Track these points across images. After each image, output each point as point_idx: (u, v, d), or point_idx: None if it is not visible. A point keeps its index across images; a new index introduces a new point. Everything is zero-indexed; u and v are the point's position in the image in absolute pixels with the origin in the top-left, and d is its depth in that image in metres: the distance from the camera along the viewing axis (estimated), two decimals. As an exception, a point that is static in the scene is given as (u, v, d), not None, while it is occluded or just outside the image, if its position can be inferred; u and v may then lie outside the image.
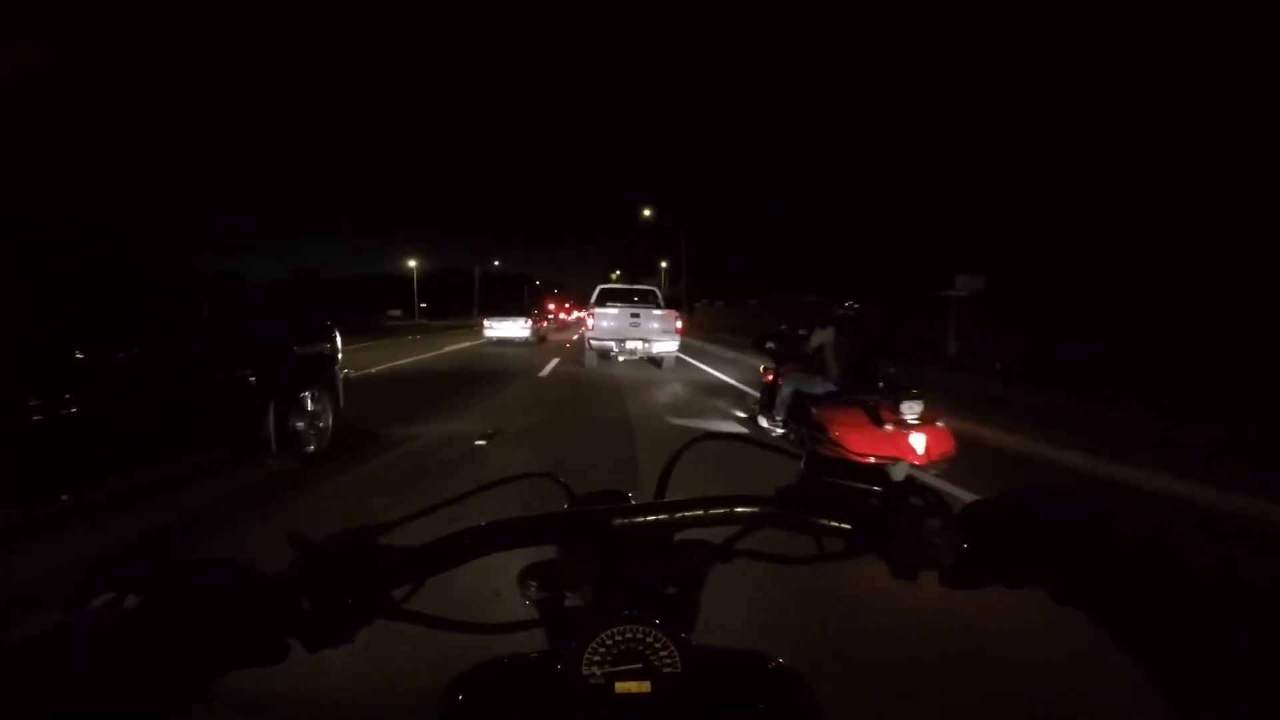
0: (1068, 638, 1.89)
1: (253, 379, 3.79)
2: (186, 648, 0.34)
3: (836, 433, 3.86)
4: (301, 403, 4.33)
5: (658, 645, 0.44)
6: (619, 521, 0.49)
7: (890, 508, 0.45)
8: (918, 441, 3.65)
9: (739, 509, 0.50)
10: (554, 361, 12.53)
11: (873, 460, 3.63)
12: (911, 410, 3.69)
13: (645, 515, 0.50)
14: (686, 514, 0.50)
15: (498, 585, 2.17)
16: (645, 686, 0.43)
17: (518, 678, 0.53)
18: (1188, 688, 0.32)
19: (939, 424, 3.78)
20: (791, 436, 4.67)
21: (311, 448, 4.36)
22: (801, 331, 5.07)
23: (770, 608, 2.25)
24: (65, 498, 2.98)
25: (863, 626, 2.24)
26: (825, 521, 0.48)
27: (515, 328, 18.59)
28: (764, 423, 5.25)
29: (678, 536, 0.52)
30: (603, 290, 12.64)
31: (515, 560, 0.52)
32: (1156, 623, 0.33)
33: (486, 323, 19.28)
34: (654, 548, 0.51)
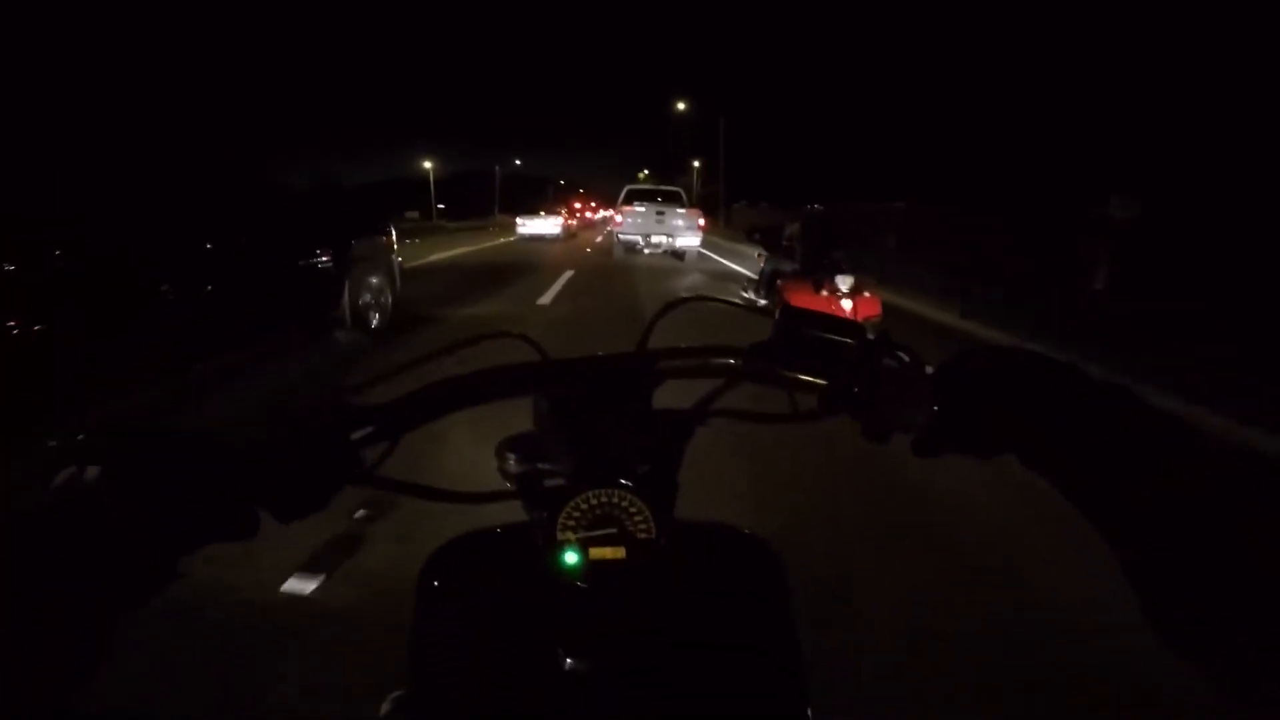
0: (1034, 504, 2.37)
1: (330, 263, 5.09)
2: (154, 520, 0.34)
3: (789, 295, 5.21)
4: (367, 284, 5.63)
5: (633, 510, 0.45)
6: (594, 370, 0.52)
7: (863, 363, 0.45)
8: (848, 305, 4.93)
9: (714, 360, 0.52)
10: (586, 252, 14.47)
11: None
12: (844, 283, 4.98)
13: (620, 364, 0.53)
14: (662, 364, 0.52)
15: (475, 460, 2.59)
16: (620, 552, 0.44)
17: (494, 548, 0.57)
18: (1147, 556, 0.31)
19: (867, 294, 5.08)
20: (763, 302, 6.07)
21: (375, 323, 5.76)
22: (789, 229, 6.33)
23: (746, 481, 2.53)
24: (199, 366, 3.82)
25: (835, 499, 2.52)
26: (800, 376, 0.48)
27: (546, 225, 20.80)
28: (750, 295, 6.71)
29: (655, 406, 0.54)
30: (630, 190, 14.16)
31: (492, 440, 0.54)
32: (1118, 486, 0.33)
33: (519, 220, 21.53)
34: (631, 415, 0.52)
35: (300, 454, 0.40)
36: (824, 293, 5.03)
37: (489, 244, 18.93)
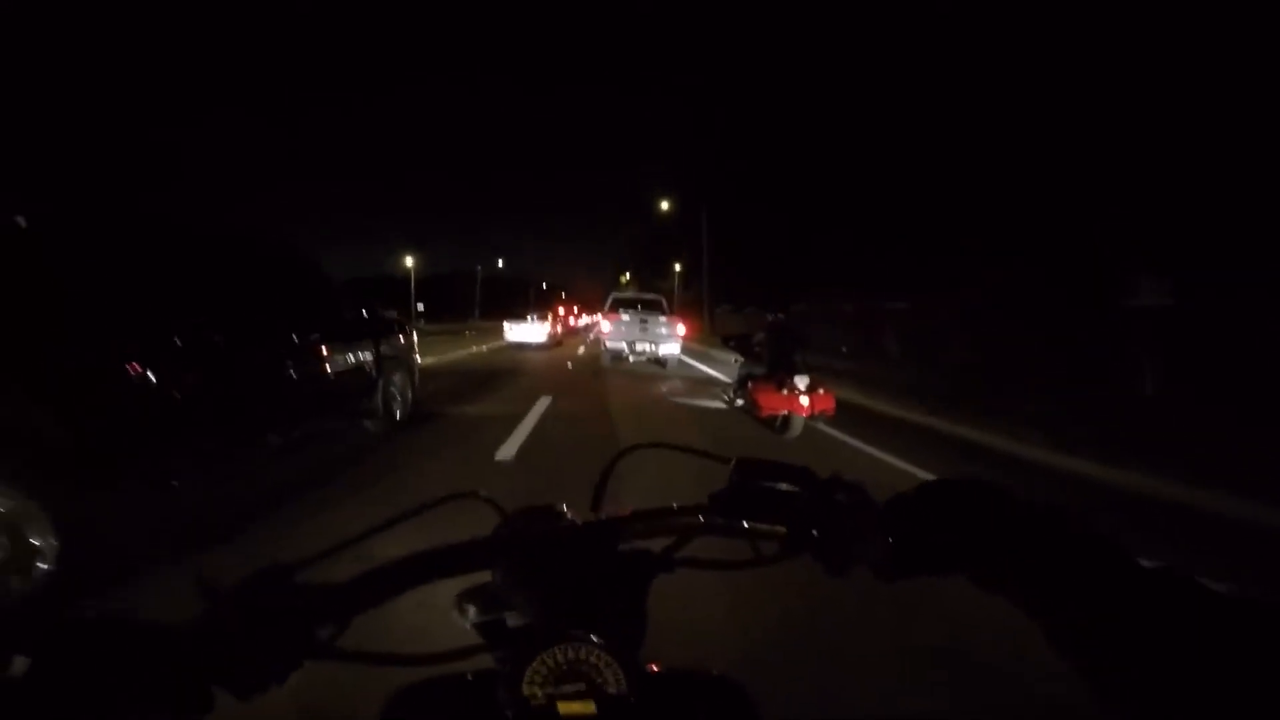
0: (1002, 622, 2.53)
1: (371, 362, 6.13)
2: (86, 709, 0.35)
3: (757, 396, 6.38)
4: (394, 381, 6.66)
5: (601, 665, 0.46)
6: (553, 548, 0.54)
7: (817, 506, 0.51)
8: (805, 401, 6.05)
9: (674, 519, 0.55)
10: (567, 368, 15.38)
11: (783, 414, 6.14)
12: (802, 382, 6.09)
13: (579, 535, 0.56)
14: (620, 532, 0.55)
15: (433, 612, 2.27)
16: (590, 708, 0.45)
17: (456, 700, 0.56)
18: (1096, 665, 0.35)
19: (821, 391, 6.17)
20: (740, 403, 7.33)
21: (399, 415, 6.78)
22: (757, 335, 7.63)
23: (715, 615, 2.47)
24: (274, 438, 4.34)
25: (805, 629, 2.46)
26: (758, 525, 0.53)
27: (533, 332, 21.77)
28: (726, 397, 8.00)
29: (619, 547, 0.56)
30: (615, 298, 15.52)
31: (448, 586, 0.55)
32: (1064, 602, 0.37)
33: (506, 325, 22.45)
34: (594, 561, 0.54)
35: (252, 637, 0.43)
36: (785, 391, 6.12)
37: (458, 355, 18.01)
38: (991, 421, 7.42)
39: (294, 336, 4.80)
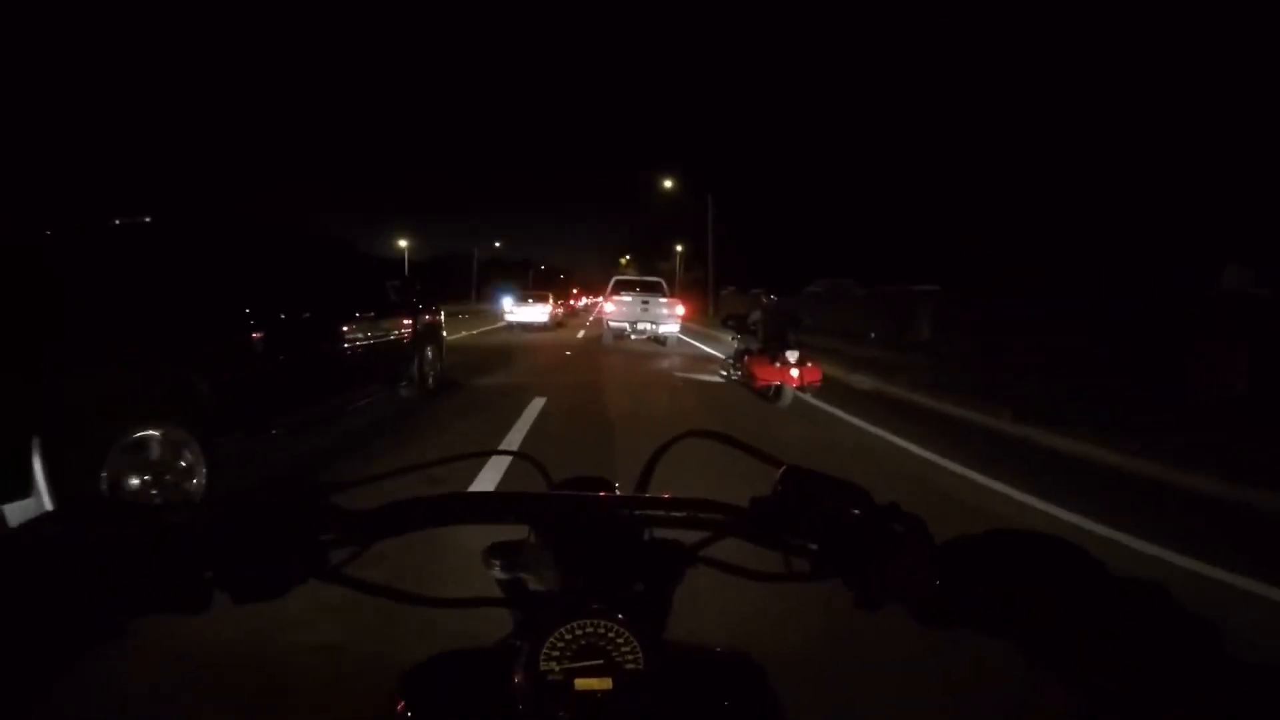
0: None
1: (410, 336, 7.03)
2: (98, 578, 0.38)
3: (753, 368, 7.31)
4: (427, 355, 7.56)
5: (620, 641, 0.47)
6: (574, 512, 0.57)
7: (866, 532, 0.48)
8: (794, 373, 6.92)
9: (704, 514, 0.54)
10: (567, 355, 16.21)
11: (775, 385, 7.08)
12: (792, 356, 6.96)
13: (609, 508, 0.58)
14: (649, 512, 0.55)
15: (456, 564, 2.43)
16: (606, 683, 0.46)
17: (473, 672, 0.57)
18: None
19: (809, 364, 7.04)
20: (736, 375, 8.35)
21: (430, 384, 7.72)
22: (754, 314, 8.55)
23: (747, 606, 2.44)
24: (339, 400, 5.32)
25: (839, 624, 2.40)
26: (793, 540, 0.51)
27: (535, 313, 22.30)
28: (724, 372, 9.07)
29: (651, 533, 0.58)
30: (618, 280, 16.55)
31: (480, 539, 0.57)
32: (1148, 698, 0.33)
33: (508, 308, 23.03)
34: (624, 542, 0.57)
35: (260, 543, 0.44)
36: (777, 364, 7.01)
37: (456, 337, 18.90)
38: (1084, 433, 6.10)
39: (355, 316, 5.79)
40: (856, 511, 0.49)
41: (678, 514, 0.53)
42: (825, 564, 0.50)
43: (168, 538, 0.42)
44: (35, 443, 2.64)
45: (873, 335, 15.97)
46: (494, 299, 7.46)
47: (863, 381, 9.80)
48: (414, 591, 0.53)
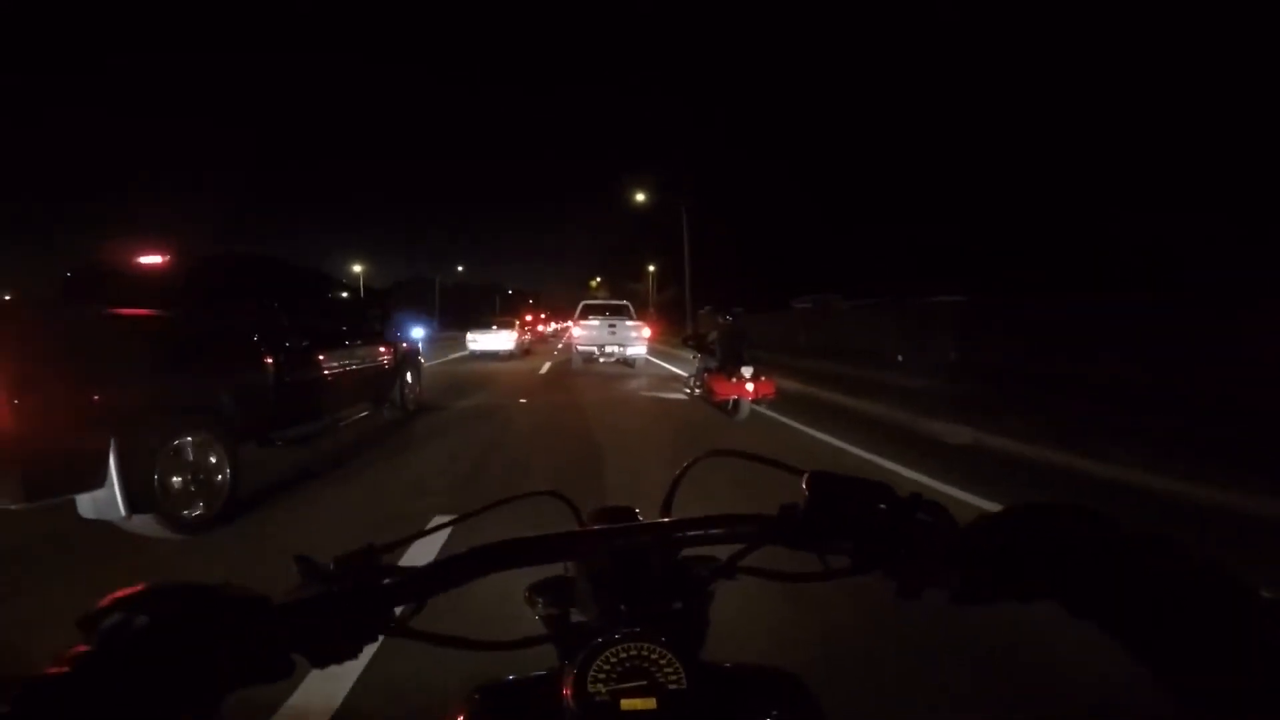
0: (1079, 644, 1.72)
1: (391, 363, 7.74)
2: (197, 664, 0.39)
3: (711, 384, 8.18)
4: (407, 377, 8.29)
5: (663, 662, 0.51)
6: (620, 543, 0.59)
7: (895, 524, 0.51)
8: (750, 387, 7.72)
9: (740, 528, 0.57)
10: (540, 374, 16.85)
11: (734, 399, 7.90)
12: (747, 371, 7.76)
13: (645, 536, 0.60)
14: (687, 534, 0.57)
15: (506, 600, 2.25)
16: (651, 703, 0.49)
17: (524, 699, 0.60)
18: (1195, 698, 0.35)
19: (763, 378, 7.84)
20: (697, 392, 9.30)
21: (410, 406, 8.41)
22: (711, 335, 9.40)
23: (783, 621, 2.56)
24: (331, 418, 6.06)
25: (876, 637, 2.49)
26: (829, 539, 0.54)
27: (499, 340, 21.16)
28: (687, 389, 9.97)
29: (684, 552, 0.62)
30: (585, 305, 17.41)
31: (523, 577, 0.61)
32: (1164, 632, 0.37)
33: (469, 335, 21.77)
34: (659, 563, 0.60)
35: (336, 611, 0.48)
36: (733, 380, 7.81)
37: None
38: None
39: (347, 343, 6.58)
40: (884, 505, 0.53)
41: (717, 531, 0.56)
42: (864, 558, 0.53)
43: (252, 612, 0.45)
44: (111, 443, 3.35)
45: (900, 358, 14.66)
46: (401, 328, 6.67)
47: (959, 434, 6.80)
48: (473, 637, 0.57)
